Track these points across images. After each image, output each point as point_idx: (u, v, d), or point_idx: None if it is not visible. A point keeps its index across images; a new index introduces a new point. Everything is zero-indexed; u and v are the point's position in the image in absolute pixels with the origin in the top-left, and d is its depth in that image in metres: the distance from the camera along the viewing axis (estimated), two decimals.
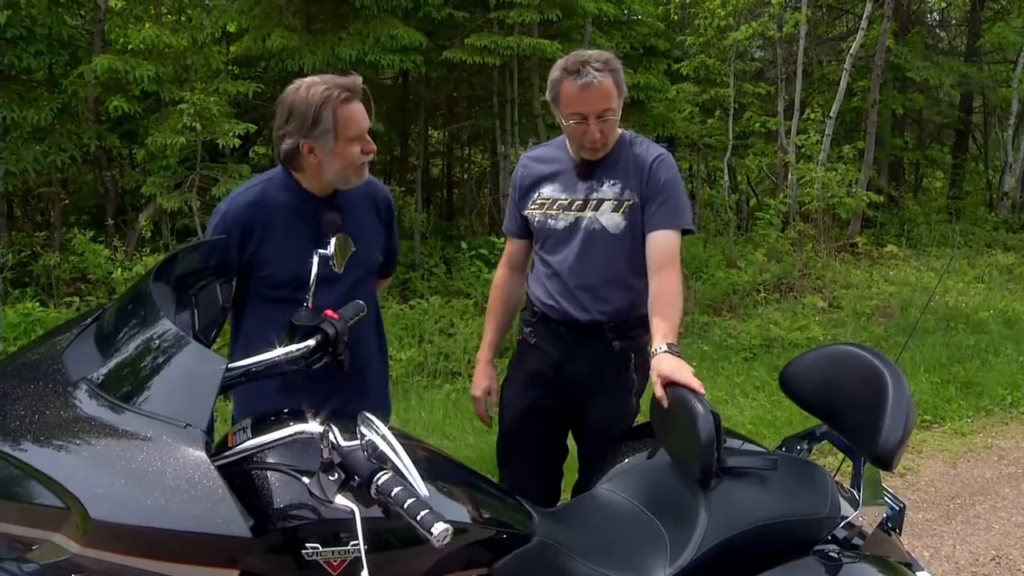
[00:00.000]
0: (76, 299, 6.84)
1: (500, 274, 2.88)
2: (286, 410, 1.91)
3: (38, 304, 6.33)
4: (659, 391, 2.21)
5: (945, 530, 4.00)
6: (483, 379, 2.82)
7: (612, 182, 2.56)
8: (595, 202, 2.57)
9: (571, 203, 2.59)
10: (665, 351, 2.29)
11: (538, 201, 2.64)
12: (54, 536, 1.38)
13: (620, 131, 2.62)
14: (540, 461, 2.79)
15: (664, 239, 2.51)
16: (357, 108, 2.28)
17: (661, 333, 2.36)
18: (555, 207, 2.61)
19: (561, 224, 2.59)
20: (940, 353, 6.64)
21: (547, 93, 2.57)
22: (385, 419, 2.69)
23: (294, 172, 2.36)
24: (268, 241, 2.33)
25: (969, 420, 5.47)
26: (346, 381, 2.47)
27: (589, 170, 2.59)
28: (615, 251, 2.56)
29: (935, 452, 4.96)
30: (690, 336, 7.33)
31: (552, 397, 2.69)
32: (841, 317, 7.94)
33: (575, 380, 2.64)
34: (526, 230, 2.73)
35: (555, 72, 2.49)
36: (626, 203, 2.54)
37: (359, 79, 2.31)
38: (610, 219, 2.54)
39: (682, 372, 2.17)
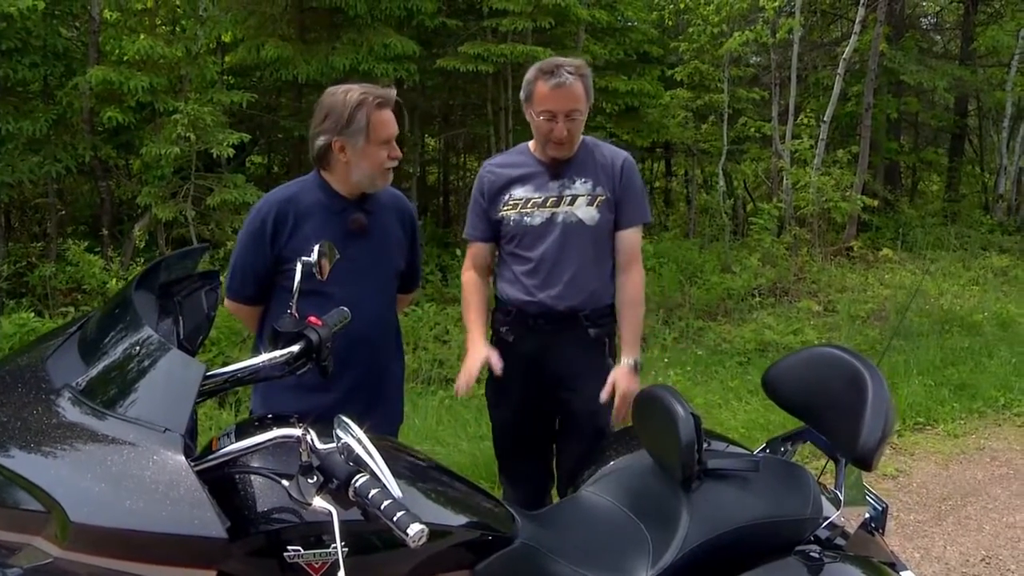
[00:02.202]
0: (72, 309, 6.86)
1: (469, 276, 2.92)
2: (270, 415, 1.93)
3: (34, 314, 6.34)
4: (621, 412, 2.67)
5: (936, 531, 4.02)
6: (482, 350, 2.71)
7: (583, 179, 2.77)
8: (569, 198, 2.76)
9: (545, 200, 2.76)
10: (631, 366, 2.74)
11: (510, 203, 2.78)
12: (35, 540, 1.40)
13: (582, 136, 2.83)
14: (535, 454, 2.95)
15: (633, 235, 2.85)
16: (388, 115, 2.45)
17: (633, 340, 2.80)
18: (529, 205, 2.77)
19: (538, 220, 2.75)
20: (934, 355, 6.65)
21: (521, 92, 2.78)
22: (397, 424, 2.75)
23: (324, 172, 2.51)
24: (297, 235, 2.45)
25: (962, 422, 5.47)
26: (364, 385, 2.53)
27: (559, 170, 2.78)
28: (591, 242, 2.77)
29: (927, 454, 4.97)
30: (684, 341, 7.35)
31: (536, 390, 2.82)
32: (836, 321, 7.95)
33: (557, 371, 2.78)
34: (492, 234, 2.85)
35: (530, 73, 2.72)
36: (599, 198, 2.77)
37: (393, 91, 2.48)
38: (586, 212, 2.75)
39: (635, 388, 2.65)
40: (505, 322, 2.83)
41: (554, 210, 2.75)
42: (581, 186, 2.76)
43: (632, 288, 2.84)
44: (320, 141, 2.44)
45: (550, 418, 2.90)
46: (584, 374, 2.77)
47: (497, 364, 2.69)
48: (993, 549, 3.84)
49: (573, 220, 2.74)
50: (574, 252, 2.75)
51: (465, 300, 2.90)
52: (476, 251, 2.91)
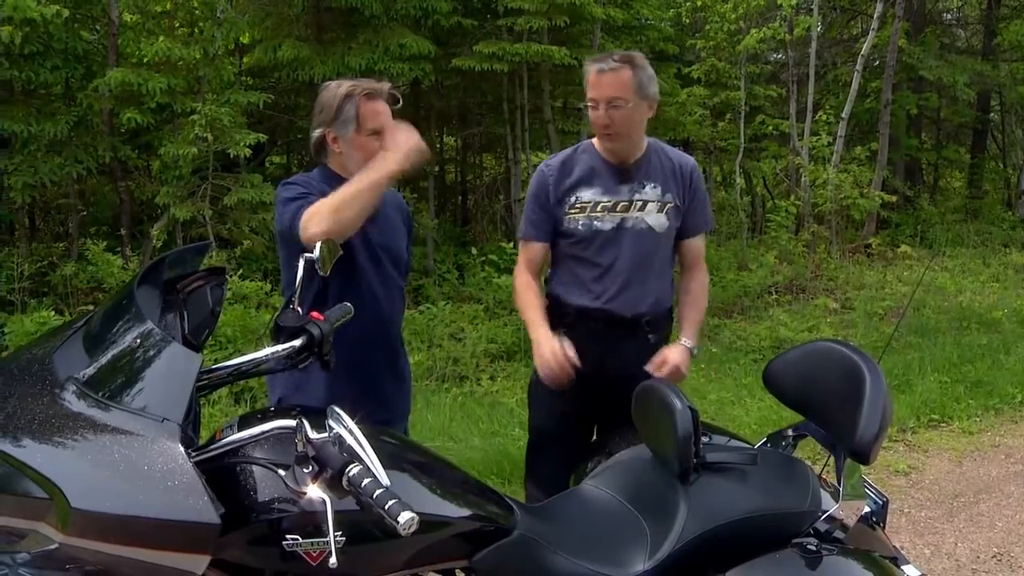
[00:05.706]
0: (91, 308, 6.94)
1: (525, 278, 2.81)
2: (272, 407, 1.98)
3: (53, 313, 6.44)
4: (660, 372, 2.63)
5: (947, 528, 4.00)
6: (553, 338, 2.62)
7: (653, 184, 2.74)
8: (639, 203, 2.73)
9: (615, 205, 2.72)
10: (687, 347, 2.77)
11: (578, 205, 2.73)
12: (39, 526, 1.45)
13: (647, 139, 2.80)
14: (569, 458, 2.82)
15: (700, 241, 2.93)
16: (380, 105, 2.46)
17: (692, 327, 2.85)
18: (599, 209, 2.72)
19: (608, 225, 2.71)
20: (951, 352, 6.61)
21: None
22: (404, 417, 2.78)
23: (331, 165, 2.55)
24: None
25: (977, 419, 5.45)
26: (360, 376, 2.56)
27: (628, 173, 2.74)
28: (660, 248, 2.78)
29: (941, 451, 4.95)
30: (699, 338, 7.33)
31: (589, 394, 2.73)
32: (853, 318, 7.91)
33: (616, 376, 2.66)
34: (552, 235, 2.79)
35: (586, 63, 2.73)
36: (668, 204, 2.75)
37: (387, 85, 2.50)
38: (656, 219, 2.74)
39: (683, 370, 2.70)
40: (565, 323, 2.74)
41: (624, 215, 2.71)
42: (651, 191, 2.74)
43: (699, 285, 2.94)
44: (315, 134, 2.50)
45: (593, 423, 2.85)
46: (640, 379, 2.67)
47: (572, 353, 2.58)
48: (1005, 546, 3.83)
49: (643, 227, 2.72)
50: (643, 259, 2.73)
51: (523, 300, 2.77)
52: (534, 252, 2.81)
